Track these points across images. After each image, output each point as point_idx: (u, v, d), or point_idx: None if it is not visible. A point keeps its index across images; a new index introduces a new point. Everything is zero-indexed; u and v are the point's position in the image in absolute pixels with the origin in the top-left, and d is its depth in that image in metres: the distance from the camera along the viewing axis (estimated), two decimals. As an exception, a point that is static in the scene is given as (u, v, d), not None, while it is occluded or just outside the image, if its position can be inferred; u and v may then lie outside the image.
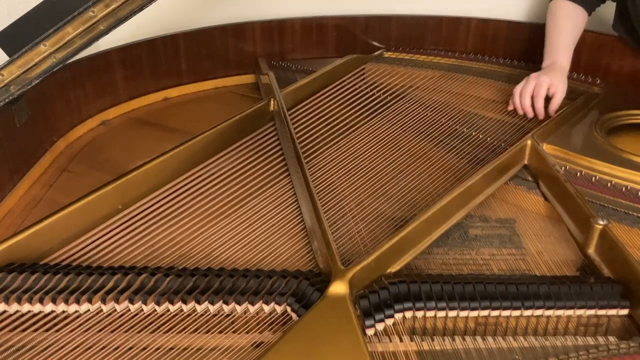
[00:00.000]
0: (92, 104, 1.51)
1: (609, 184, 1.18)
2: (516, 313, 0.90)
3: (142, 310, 0.90)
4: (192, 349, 0.85)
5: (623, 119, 1.42)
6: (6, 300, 0.90)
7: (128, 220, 1.08)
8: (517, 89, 1.40)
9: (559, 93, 1.37)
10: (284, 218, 1.11)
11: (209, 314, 0.90)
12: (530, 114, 1.38)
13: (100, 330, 0.87)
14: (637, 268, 0.91)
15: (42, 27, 1.16)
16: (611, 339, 0.88)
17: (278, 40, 1.74)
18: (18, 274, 0.93)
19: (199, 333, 0.88)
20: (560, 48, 1.46)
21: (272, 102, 1.39)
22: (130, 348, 0.85)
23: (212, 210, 1.12)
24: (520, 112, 1.40)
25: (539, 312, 0.90)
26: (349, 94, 1.51)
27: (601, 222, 1.00)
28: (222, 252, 1.03)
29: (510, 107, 1.42)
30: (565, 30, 1.48)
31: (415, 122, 1.41)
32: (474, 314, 0.89)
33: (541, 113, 1.37)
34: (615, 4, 1.57)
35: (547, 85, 1.37)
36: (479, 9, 1.76)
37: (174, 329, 0.88)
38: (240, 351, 0.85)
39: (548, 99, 1.38)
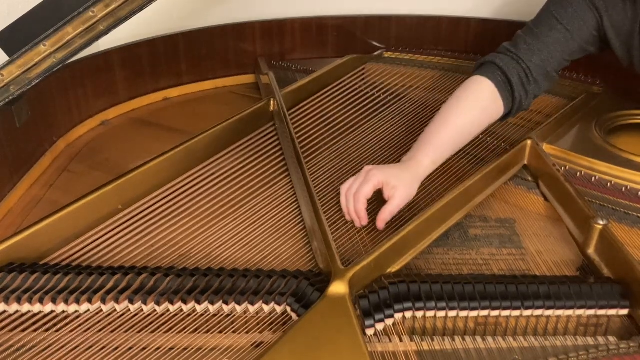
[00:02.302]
0: (92, 104, 1.51)
1: (608, 184, 1.18)
2: (516, 313, 0.90)
3: (142, 310, 0.90)
4: (192, 349, 0.85)
5: (623, 119, 1.42)
6: (6, 300, 0.90)
7: (128, 220, 1.08)
8: (344, 187, 1.08)
9: (397, 199, 1.04)
10: (284, 218, 1.11)
11: (209, 314, 0.90)
12: (357, 222, 1.06)
13: (100, 330, 0.88)
14: (637, 268, 0.91)
15: (42, 27, 1.16)
16: (611, 339, 0.88)
17: (278, 40, 1.74)
18: (18, 274, 0.93)
19: (199, 333, 0.88)
20: (432, 144, 1.12)
21: (272, 102, 1.39)
22: (130, 348, 0.85)
23: (212, 210, 1.12)
24: (347, 217, 1.08)
25: (539, 312, 0.90)
26: (348, 94, 1.51)
27: (601, 222, 1.00)
28: (222, 252, 1.03)
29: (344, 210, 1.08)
30: (454, 128, 1.14)
31: (415, 122, 1.40)
32: (474, 314, 0.89)
33: (363, 218, 1.05)
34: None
35: (377, 184, 1.05)
36: (479, 9, 1.76)
37: (174, 329, 0.88)
38: (240, 351, 0.85)
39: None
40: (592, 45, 1.25)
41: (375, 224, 1.07)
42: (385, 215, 1.04)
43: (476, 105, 1.17)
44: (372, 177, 1.05)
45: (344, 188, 1.08)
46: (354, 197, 1.05)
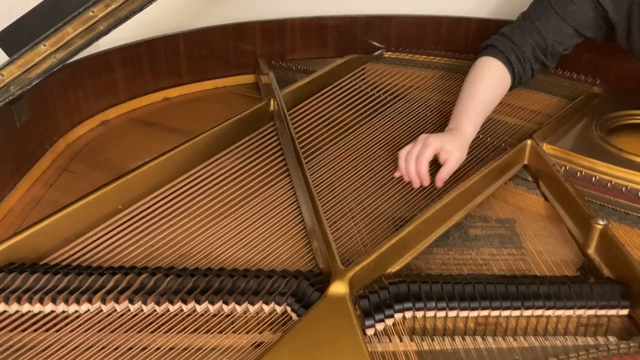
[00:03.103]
0: (92, 104, 1.51)
1: (609, 184, 1.18)
2: (516, 313, 0.90)
3: (142, 310, 0.90)
4: (192, 349, 0.85)
5: (623, 119, 1.42)
6: (6, 300, 0.90)
7: (128, 220, 1.08)
8: (403, 152, 1.17)
9: (452, 161, 1.16)
10: (284, 218, 1.11)
11: (209, 314, 0.90)
12: (416, 182, 1.16)
13: (100, 330, 0.88)
14: (637, 268, 0.91)
15: (42, 27, 1.16)
16: (611, 339, 0.88)
17: (278, 40, 1.74)
18: (18, 274, 0.93)
19: (199, 333, 0.88)
20: (469, 114, 1.27)
21: (272, 102, 1.39)
22: (130, 348, 0.85)
23: (212, 210, 1.12)
24: (406, 178, 1.17)
25: (539, 312, 0.90)
26: (349, 94, 1.51)
27: (601, 222, 1.00)
28: (222, 252, 1.03)
29: (397, 174, 1.19)
30: (481, 98, 1.29)
31: (416, 122, 1.40)
32: (474, 314, 0.89)
33: (425, 179, 1.15)
34: None
35: (435, 148, 1.15)
36: (479, 9, 1.76)
37: (174, 329, 0.88)
38: (240, 351, 0.85)
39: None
40: (590, 30, 1.33)
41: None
42: (443, 174, 1.16)
43: (492, 79, 1.33)
44: (431, 143, 1.15)
45: (402, 153, 1.17)
46: (416, 160, 1.14)
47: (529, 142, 1.24)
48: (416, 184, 1.16)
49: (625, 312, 0.91)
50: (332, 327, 0.83)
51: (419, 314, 0.89)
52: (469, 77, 1.33)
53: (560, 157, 1.25)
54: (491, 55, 1.35)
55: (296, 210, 1.13)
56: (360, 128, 1.38)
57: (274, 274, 0.94)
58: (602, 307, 0.91)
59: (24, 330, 0.88)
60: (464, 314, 0.89)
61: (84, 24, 1.18)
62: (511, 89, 1.37)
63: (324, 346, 0.80)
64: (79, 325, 0.88)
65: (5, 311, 0.90)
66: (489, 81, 1.32)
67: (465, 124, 1.25)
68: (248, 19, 1.71)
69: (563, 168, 1.22)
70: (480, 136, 1.35)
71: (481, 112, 1.29)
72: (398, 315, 0.89)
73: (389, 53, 1.72)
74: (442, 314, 0.89)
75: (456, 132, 1.23)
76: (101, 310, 0.90)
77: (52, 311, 0.90)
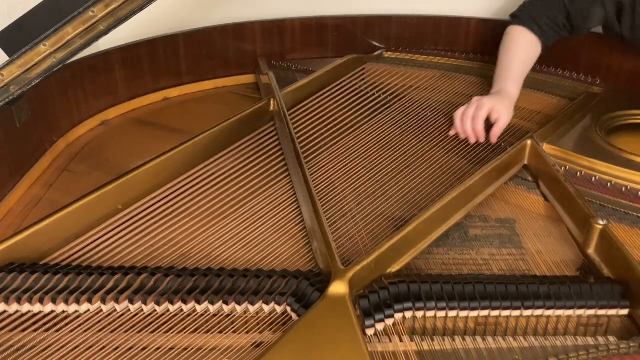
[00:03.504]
0: (92, 104, 1.51)
1: (609, 184, 1.18)
2: (516, 313, 0.90)
3: (142, 310, 0.90)
4: (192, 349, 0.85)
5: (623, 119, 1.42)
6: (6, 300, 0.90)
7: (128, 220, 1.08)
8: (458, 112, 1.33)
9: (503, 119, 1.32)
10: (284, 218, 1.11)
11: (209, 314, 0.90)
12: (472, 139, 1.32)
13: (100, 330, 0.88)
14: (637, 268, 0.91)
15: (42, 27, 1.16)
16: (611, 339, 0.88)
17: (278, 40, 1.74)
18: (18, 274, 0.93)
19: (199, 333, 0.88)
20: (510, 77, 1.42)
21: (272, 102, 1.39)
22: (130, 348, 0.85)
23: (212, 210, 1.12)
24: (463, 135, 1.33)
25: (539, 312, 0.90)
26: (349, 94, 1.51)
27: (601, 222, 1.00)
28: (222, 252, 1.03)
29: (452, 132, 1.34)
30: (517, 61, 1.45)
31: (416, 122, 1.40)
32: (474, 314, 0.89)
33: (481, 136, 1.31)
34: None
35: (489, 109, 1.30)
36: (479, 9, 1.76)
37: (174, 329, 0.88)
38: (240, 351, 0.85)
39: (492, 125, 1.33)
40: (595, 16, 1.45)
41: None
42: (497, 131, 1.31)
43: (526, 43, 1.48)
44: (485, 104, 1.30)
45: (458, 113, 1.32)
46: (472, 120, 1.30)
47: (529, 142, 1.24)
48: (472, 140, 1.32)
49: (625, 312, 0.91)
50: (332, 327, 0.83)
51: (419, 314, 0.89)
52: (504, 46, 1.48)
53: (560, 157, 1.25)
54: (520, 24, 1.48)
55: (296, 210, 1.13)
56: (360, 128, 1.38)
57: (274, 274, 0.94)
58: (602, 307, 0.90)
59: (24, 330, 0.87)
60: (464, 314, 0.89)
61: (84, 24, 1.18)
62: (546, 47, 1.50)
63: (324, 346, 0.80)
64: (79, 325, 0.88)
65: (5, 311, 0.90)
66: (522, 46, 1.46)
67: (510, 87, 1.40)
68: (248, 19, 1.71)
69: (563, 168, 1.22)
70: (480, 136, 1.35)
71: (521, 74, 1.43)
72: (398, 315, 0.89)
73: (389, 53, 1.72)
74: (442, 314, 0.89)
75: (503, 94, 1.37)
76: (101, 310, 0.90)
77: (52, 311, 0.90)
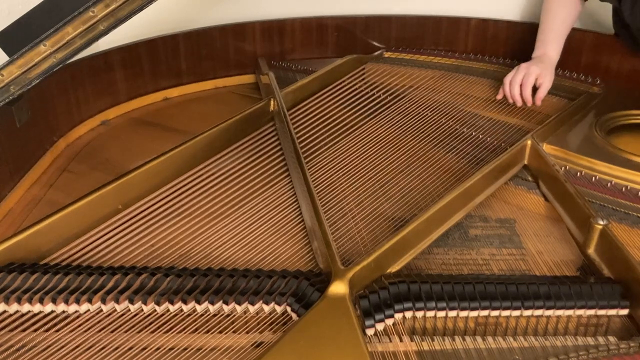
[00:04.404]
0: (92, 104, 1.51)
1: (608, 184, 1.18)
2: (516, 313, 0.90)
3: (142, 310, 0.90)
4: (192, 349, 0.85)
5: (623, 119, 1.42)
6: (6, 300, 0.90)
7: (128, 220, 1.08)
8: (507, 78, 1.45)
9: (546, 83, 1.43)
10: (284, 218, 1.11)
11: (209, 314, 0.90)
12: (519, 102, 1.44)
13: (100, 330, 0.87)
14: (637, 268, 0.91)
15: (42, 27, 1.16)
16: (611, 339, 0.88)
17: (278, 40, 1.74)
18: (18, 274, 0.93)
19: (199, 333, 0.88)
20: (551, 39, 1.51)
21: (272, 102, 1.39)
22: (130, 348, 0.85)
23: (212, 210, 1.12)
24: (510, 100, 1.45)
25: (539, 312, 0.90)
26: (349, 94, 1.51)
27: (601, 222, 1.00)
28: (222, 252, 1.03)
29: (500, 96, 1.47)
30: (559, 20, 1.51)
31: (415, 122, 1.40)
32: (474, 314, 0.89)
33: (529, 100, 1.43)
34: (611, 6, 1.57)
35: (536, 75, 1.42)
36: (479, 9, 1.76)
37: (174, 329, 0.88)
38: (240, 351, 0.85)
39: (536, 89, 1.44)
40: None
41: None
42: (541, 94, 1.43)
43: (565, 3, 1.53)
44: (533, 71, 1.42)
45: (507, 79, 1.45)
46: (522, 86, 1.42)
47: (529, 142, 1.24)
48: (519, 104, 1.44)
49: (625, 312, 0.91)
50: (332, 327, 0.83)
51: (419, 314, 0.89)
52: (544, 6, 1.54)
53: (560, 157, 1.25)
54: None
55: (296, 210, 1.13)
56: (360, 128, 1.38)
57: (274, 274, 0.94)
58: (602, 307, 0.90)
59: (24, 330, 0.87)
60: (464, 314, 0.89)
61: (84, 24, 1.18)
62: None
63: (324, 346, 0.80)
64: (79, 325, 0.88)
65: (5, 311, 0.90)
66: (563, 5, 1.52)
67: (550, 50, 1.49)
68: (248, 19, 1.71)
69: (563, 168, 1.22)
70: (480, 136, 1.35)
71: (561, 35, 1.51)
72: (398, 315, 0.89)
73: (389, 53, 1.72)
74: (442, 314, 0.89)
75: (544, 59, 1.47)
76: (101, 310, 0.90)
77: (52, 311, 0.90)
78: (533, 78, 1.42)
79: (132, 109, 1.59)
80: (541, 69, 1.44)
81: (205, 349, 0.85)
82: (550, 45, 1.51)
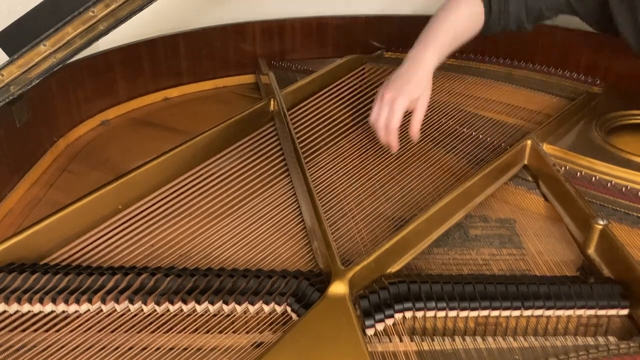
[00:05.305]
0: (92, 104, 1.51)
1: (609, 184, 1.18)
2: (516, 313, 0.90)
3: (142, 310, 0.90)
4: (192, 349, 0.85)
5: (623, 119, 1.42)
6: (6, 300, 0.90)
7: (128, 220, 1.08)
8: (371, 119, 1.17)
9: (420, 108, 1.11)
10: (284, 218, 1.11)
11: (209, 314, 0.90)
12: (394, 146, 1.15)
13: (100, 330, 0.87)
14: (637, 268, 0.91)
15: (42, 27, 1.16)
16: (611, 339, 0.88)
17: (278, 40, 1.74)
18: (18, 274, 0.93)
19: (199, 333, 0.88)
20: (438, 40, 1.19)
21: (272, 102, 1.39)
22: (130, 348, 0.85)
23: (212, 210, 1.12)
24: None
25: (539, 312, 0.90)
26: (349, 94, 1.51)
27: (601, 222, 1.00)
28: (222, 252, 1.03)
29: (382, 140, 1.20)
30: (452, 24, 1.23)
31: (415, 122, 1.40)
32: (474, 314, 0.89)
33: (395, 146, 1.15)
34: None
35: (404, 108, 1.11)
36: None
37: (174, 329, 0.88)
38: (240, 351, 0.85)
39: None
40: (581, 5, 1.28)
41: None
42: (416, 128, 1.13)
43: (465, 7, 1.28)
44: (399, 109, 1.10)
45: (371, 119, 1.17)
46: (385, 129, 1.13)
47: (529, 142, 1.24)
48: (394, 149, 1.17)
49: (625, 312, 0.91)
50: (332, 327, 0.83)
51: (419, 314, 0.89)
52: (444, 5, 1.26)
53: (560, 157, 1.24)
54: None
55: (296, 210, 1.13)
56: (361, 128, 1.38)
57: (274, 274, 0.94)
58: (602, 307, 0.90)
59: (24, 330, 0.87)
60: (464, 314, 0.89)
61: (84, 24, 1.18)
62: (485, 29, 1.30)
63: (324, 346, 0.80)
64: (79, 325, 0.88)
65: (5, 311, 0.90)
66: (461, 8, 1.26)
67: (430, 55, 1.17)
68: (248, 19, 1.71)
69: (563, 168, 1.22)
70: (480, 136, 1.35)
71: (450, 39, 1.22)
72: (398, 315, 0.89)
73: (389, 53, 1.72)
74: (442, 314, 0.89)
75: (418, 67, 1.14)
76: (101, 310, 0.90)
77: (52, 311, 0.90)
78: (400, 114, 1.10)
79: (132, 109, 1.59)
80: (412, 93, 1.11)
81: (205, 349, 0.85)
82: (431, 49, 1.19)
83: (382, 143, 1.17)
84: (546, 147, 1.26)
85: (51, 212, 1.02)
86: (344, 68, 1.58)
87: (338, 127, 1.37)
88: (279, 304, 0.89)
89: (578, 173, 1.21)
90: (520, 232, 1.10)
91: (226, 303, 0.90)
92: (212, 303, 0.90)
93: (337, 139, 1.34)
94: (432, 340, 0.87)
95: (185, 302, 0.90)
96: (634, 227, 1.08)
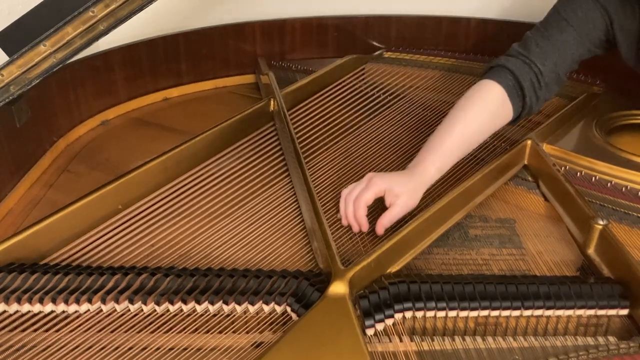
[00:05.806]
0: (92, 104, 1.51)
1: (609, 184, 1.18)
2: (516, 313, 0.90)
3: (142, 310, 0.90)
4: (192, 349, 0.85)
5: (623, 119, 1.42)
6: (6, 300, 0.90)
7: (128, 220, 1.08)
8: (345, 191, 1.07)
9: (397, 207, 1.03)
10: (284, 218, 1.11)
11: (209, 314, 0.90)
12: (354, 227, 1.04)
13: (100, 330, 0.87)
14: (637, 268, 0.91)
15: (42, 27, 1.16)
16: (611, 339, 0.88)
17: (278, 40, 1.74)
18: (18, 274, 0.93)
19: (199, 333, 0.88)
20: (438, 151, 1.09)
21: (272, 102, 1.39)
22: (130, 348, 0.85)
23: (212, 210, 1.12)
24: (344, 221, 1.06)
25: (539, 312, 0.90)
26: (349, 94, 1.51)
27: (601, 222, 1.00)
28: (222, 252, 1.03)
29: (339, 216, 1.08)
30: (463, 136, 1.11)
31: (415, 122, 1.40)
32: (474, 314, 0.89)
33: (362, 224, 1.03)
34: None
35: (379, 191, 1.03)
36: (479, 9, 1.76)
37: (174, 329, 0.88)
38: (240, 351, 0.85)
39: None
40: (599, 48, 1.24)
41: (374, 227, 1.07)
42: (385, 221, 1.03)
43: (484, 111, 1.14)
44: (374, 185, 1.03)
45: (344, 193, 1.07)
46: (354, 202, 1.04)
47: (528, 142, 1.24)
48: (355, 229, 1.04)
49: (625, 312, 0.91)
50: (332, 327, 0.83)
51: (419, 314, 0.89)
52: (458, 105, 1.14)
53: (560, 157, 1.24)
54: (496, 78, 1.15)
55: (296, 210, 1.13)
56: (360, 128, 1.38)
57: (273, 274, 0.94)
58: (602, 307, 0.90)
59: (24, 330, 0.87)
60: (464, 314, 0.89)
61: (84, 24, 1.18)
62: (514, 121, 1.20)
63: (324, 346, 0.80)
64: (79, 325, 0.88)
65: (5, 311, 0.90)
66: (479, 114, 1.13)
67: (429, 165, 1.08)
68: (248, 19, 1.71)
69: (563, 168, 1.22)
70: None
71: (457, 152, 1.12)
72: (398, 315, 0.89)
73: (389, 53, 1.72)
74: (442, 314, 0.89)
75: (413, 173, 1.07)
76: (101, 310, 0.90)
77: (52, 311, 0.90)
78: (372, 194, 1.02)
79: (132, 109, 1.59)
80: (394, 184, 1.04)
81: (205, 349, 0.85)
82: (430, 160, 1.08)
83: (344, 219, 1.06)
84: (546, 147, 1.26)
85: (51, 212, 1.02)
86: (344, 68, 1.58)
87: (338, 127, 1.37)
88: (279, 304, 0.89)
89: (578, 173, 1.21)
90: (520, 232, 1.10)
91: (226, 303, 0.90)
92: (212, 303, 0.90)
93: (337, 139, 1.34)
94: (432, 340, 0.87)
95: (185, 302, 0.90)
96: (634, 227, 1.08)
